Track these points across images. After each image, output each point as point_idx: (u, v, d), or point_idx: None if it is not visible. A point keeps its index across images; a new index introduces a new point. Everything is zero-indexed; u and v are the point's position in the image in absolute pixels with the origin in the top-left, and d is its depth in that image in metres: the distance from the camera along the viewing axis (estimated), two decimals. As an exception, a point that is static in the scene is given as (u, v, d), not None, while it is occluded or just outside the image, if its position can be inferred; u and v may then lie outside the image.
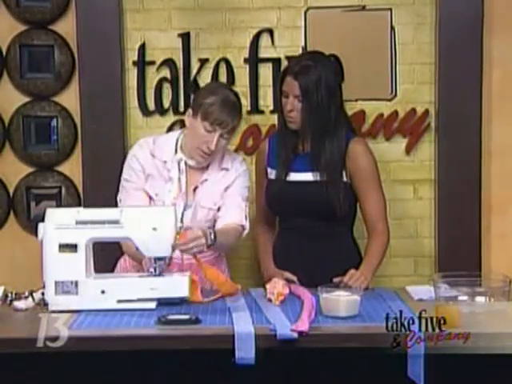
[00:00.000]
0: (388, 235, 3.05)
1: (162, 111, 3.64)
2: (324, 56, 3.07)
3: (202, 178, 2.94)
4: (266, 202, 3.11)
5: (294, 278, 2.94)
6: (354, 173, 3.01)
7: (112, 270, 3.05)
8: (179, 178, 2.91)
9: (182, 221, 2.88)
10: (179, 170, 2.91)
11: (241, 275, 3.55)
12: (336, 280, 2.79)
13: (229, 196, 2.95)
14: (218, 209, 2.95)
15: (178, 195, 2.90)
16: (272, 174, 3.09)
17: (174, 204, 2.85)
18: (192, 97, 3.03)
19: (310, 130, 2.98)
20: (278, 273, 2.98)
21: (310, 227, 3.01)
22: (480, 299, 2.53)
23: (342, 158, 2.99)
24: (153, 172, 2.92)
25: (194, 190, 2.93)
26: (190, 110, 2.92)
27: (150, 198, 2.91)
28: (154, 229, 2.58)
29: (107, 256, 2.98)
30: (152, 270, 2.62)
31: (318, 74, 2.94)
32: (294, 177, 3.04)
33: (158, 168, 2.92)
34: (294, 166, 3.05)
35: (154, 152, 2.93)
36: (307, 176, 3.02)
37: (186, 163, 2.92)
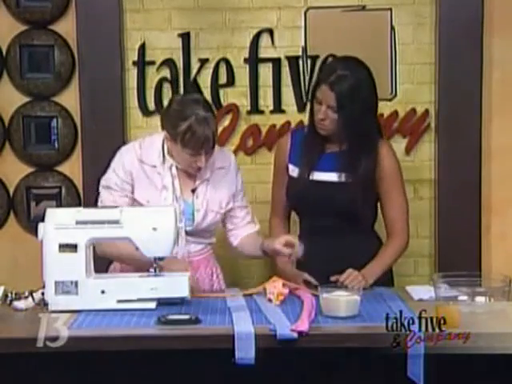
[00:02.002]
0: (407, 239, 3.02)
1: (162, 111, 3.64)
2: (359, 63, 2.98)
3: (199, 178, 2.91)
4: (288, 199, 3.07)
5: (313, 280, 2.87)
6: (377, 175, 2.98)
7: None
8: (173, 185, 2.87)
9: (193, 221, 2.89)
10: (171, 175, 2.87)
11: (241, 275, 3.55)
12: (333, 278, 2.78)
13: (238, 209, 2.98)
14: (225, 212, 2.96)
15: (174, 202, 2.86)
16: (294, 171, 3.04)
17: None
18: (162, 118, 2.91)
19: (347, 140, 2.94)
20: (297, 274, 2.92)
21: (333, 227, 2.98)
22: (480, 299, 2.53)
23: (375, 164, 2.97)
24: (140, 178, 2.86)
25: (193, 191, 2.92)
26: (166, 134, 2.83)
27: (141, 205, 2.85)
28: (154, 229, 2.57)
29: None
30: (152, 269, 2.62)
31: (354, 85, 2.87)
32: (318, 176, 3.00)
33: (146, 174, 2.86)
34: (318, 165, 3.01)
35: (142, 157, 2.87)
36: (331, 176, 2.98)
37: (176, 167, 2.88)
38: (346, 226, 2.98)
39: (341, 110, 2.87)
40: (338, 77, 2.88)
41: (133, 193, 2.86)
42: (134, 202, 2.87)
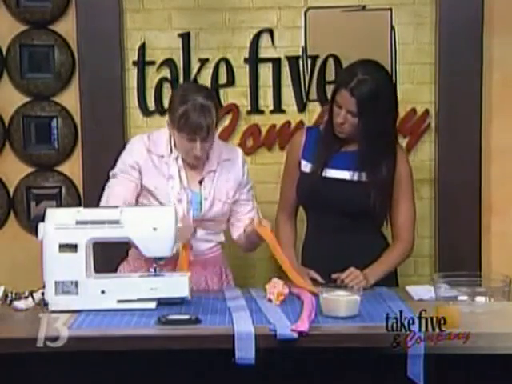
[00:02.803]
0: (412, 246, 3.02)
1: (161, 111, 3.65)
2: (379, 66, 2.97)
3: (205, 170, 2.93)
4: (298, 195, 3.07)
5: (319, 278, 2.90)
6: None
7: (114, 271, 3.05)
8: (180, 175, 2.90)
9: (201, 210, 2.91)
10: (178, 166, 2.90)
11: (241, 275, 3.55)
12: (334, 276, 2.78)
13: (242, 202, 2.99)
14: (233, 202, 2.98)
15: (182, 190, 2.90)
16: (307, 167, 3.03)
17: (179, 199, 2.87)
18: (168, 101, 2.97)
19: (366, 142, 2.93)
20: (302, 271, 2.94)
21: (341, 225, 2.97)
22: (480, 299, 2.53)
23: (394, 166, 2.97)
24: (148, 166, 2.90)
25: (200, 182, 2.93)
26: (168, 119, 2.88)
27: (149, 191, 2.89)
28: (154, 229, 2.57)
29: (107, 256, 2.98)
30: (152, 269, 2.63)
31: (375, 90, 2.86)
32: (331, 173, 2.99)
33: (154, 163, 2.90)
34: (331, 163, 3.00)
35: (150, 147, 2.91)
36: (344, 174, 2.97)
37: (182, 159, 2.91)
38: (353, 225, 2.97)
39: (361, 115, 2.87)
40: (358, 81, 2.86)
41: (141, 180, 2.90)
42: (143, 191, 2.90)
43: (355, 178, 2.97)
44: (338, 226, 2.98)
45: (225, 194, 2.94)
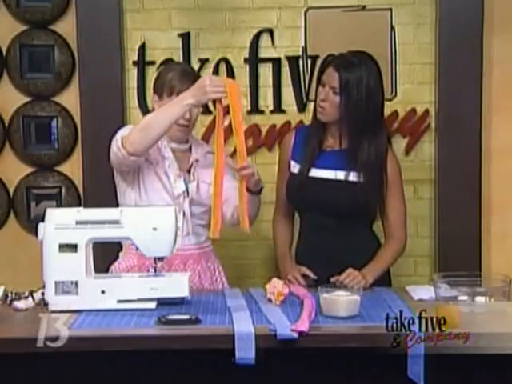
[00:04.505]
0: (404, 243, 3.04)
1: (161, 111, 3.65)
2: (370, 57, 3.00)
3: (191, 159, 2.97)
4: (286, 194, 3.08)
5: (311, 274, 2.93)
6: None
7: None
8: (172, 158, 2.93)
9: (188, 193, 2.92)
10: (169, 151, 2.93)
11: (240, 275, 3.55)
12: (333, 279, 2.79)
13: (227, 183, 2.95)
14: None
15: (179, 171, 2.93)
16: (295, 167, 3.05)
17: (179, 175, 2.90)
18: (152, 83, 3.01)
19: (346, 127, 2.95)
20: (295, 267, 2.97)
21: (331, 225, 2.98)
22: (480, 299, 2.53)
23: (381, 159, 2.96)
24: None
25: (188, 171, 2.96)
26: (155, 96, 2.94)
27: (151, 164, 2.91)
28: (154, 229, 2.57)
29: (107, 256, 2.98)
30: (152, 269, 2.63)
31: (360, 72, 2.89)
32: (316, 173, 3.00)
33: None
34: (317, 162, 3.01)
35: None
36: (329, 174, 2.98)
37: (170, 149, 2.94)
38: (343, 224, 2.98)
39: (343, 92, 2.88)
40: (345, 61, 2.93)
41: None
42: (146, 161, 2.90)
43: (340, 177, 2.97)
44: (328, 225, 2.98)
45: (209, 176, 2.91)
